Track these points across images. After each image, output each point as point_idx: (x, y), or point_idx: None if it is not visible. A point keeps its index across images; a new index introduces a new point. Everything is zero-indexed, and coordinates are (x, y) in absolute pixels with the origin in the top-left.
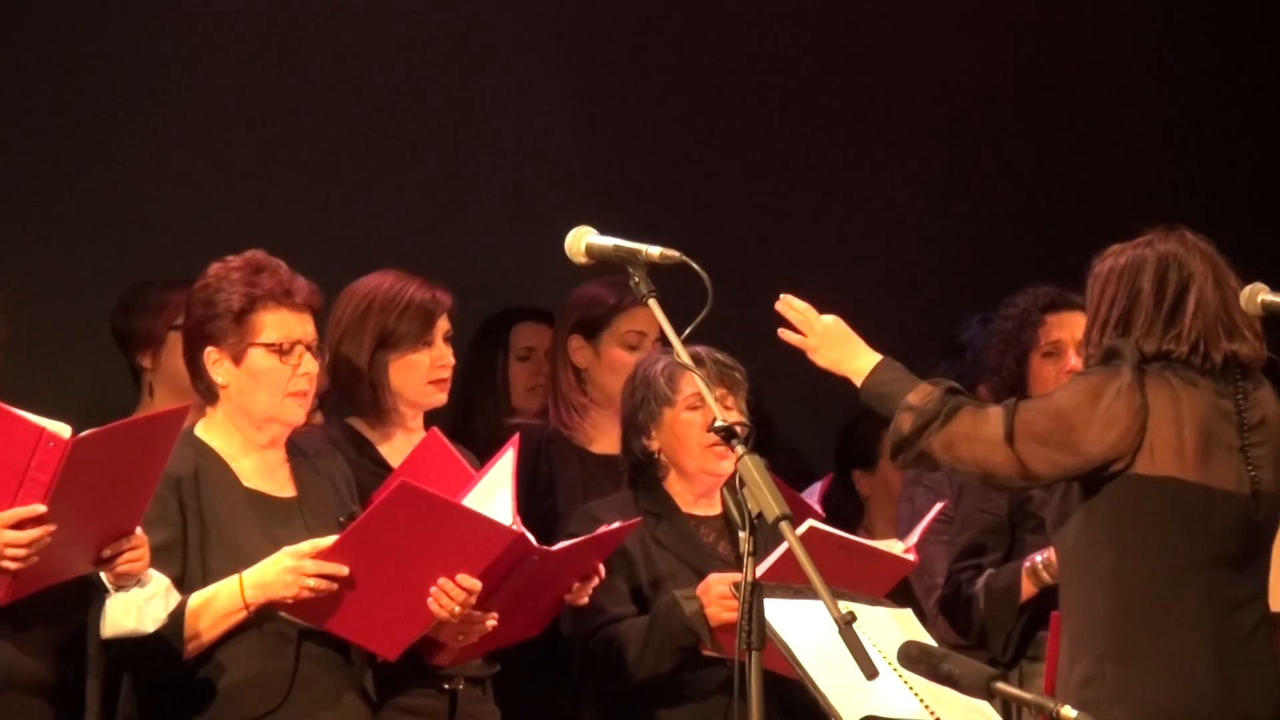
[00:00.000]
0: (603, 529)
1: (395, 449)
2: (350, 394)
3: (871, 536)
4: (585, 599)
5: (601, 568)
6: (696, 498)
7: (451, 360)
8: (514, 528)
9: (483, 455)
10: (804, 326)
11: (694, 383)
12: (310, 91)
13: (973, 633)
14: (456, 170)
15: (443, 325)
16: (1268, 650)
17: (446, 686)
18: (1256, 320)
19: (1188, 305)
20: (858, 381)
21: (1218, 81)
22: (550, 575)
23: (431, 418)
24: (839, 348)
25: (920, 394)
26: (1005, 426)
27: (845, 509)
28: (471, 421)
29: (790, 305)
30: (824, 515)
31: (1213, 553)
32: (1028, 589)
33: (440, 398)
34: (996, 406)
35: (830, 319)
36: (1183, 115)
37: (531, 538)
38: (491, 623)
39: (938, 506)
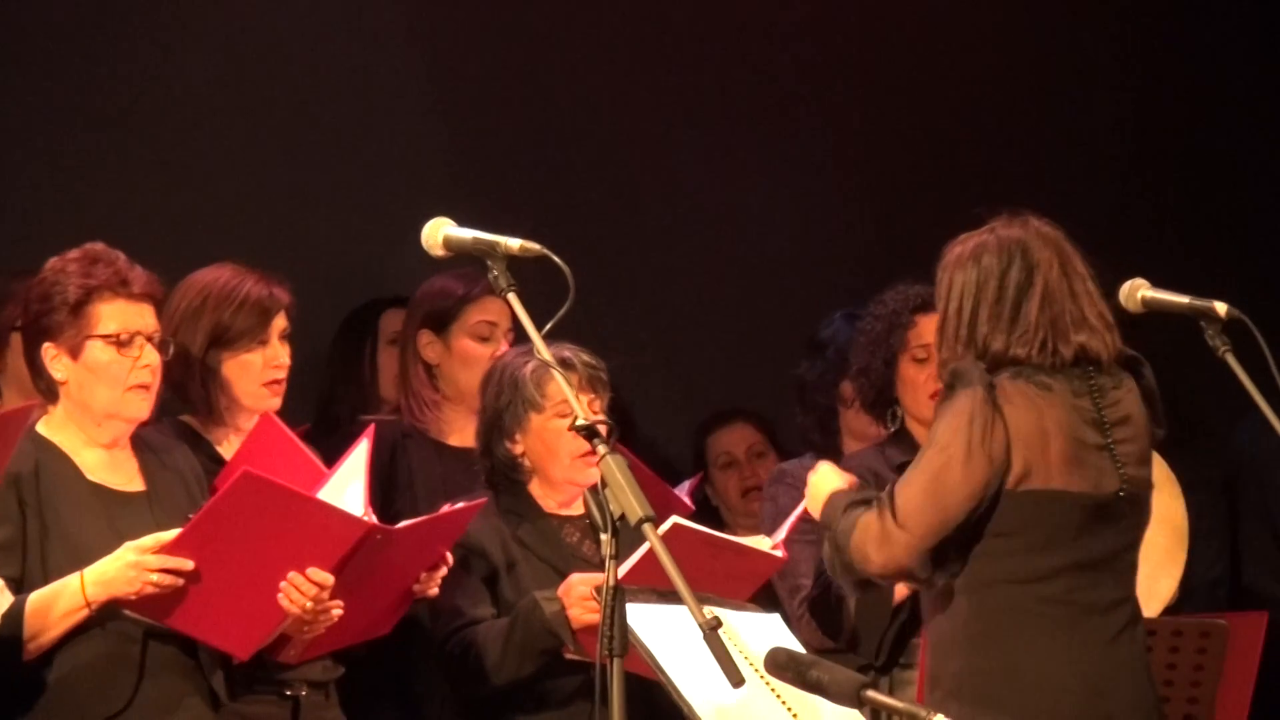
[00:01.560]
0: (446, 507)
1: (233, 448)
2: (182, 391)
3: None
4: (435, 589)
5: (450, 556)
6: (559, 501)
7: (286, 361)
8: (366, 519)
9: (341, 450)
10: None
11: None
12: (165, 81)
13: (843, 635)
14: (315, 160)
15: (279, 324)
16: (1138, 653)
17: (289, 693)
18: (1108, 313)
19: (1034, 295)
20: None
21: (1082, 68)
22: (397, 562)
23: (296, 408)
24: (813, 495)
25: (843, 508)
26: (892, 524)
27: (707, 510)
28: (335, 412)
29: None
30: (693, 509)
31: (1079, 556)
32: (900, 591)
33: (274, 401)
34: (885, 505)
35: (820, 470)
36: (1048, 107)
37: (355, 512)
38: (337, 611)
39: (802, 506)
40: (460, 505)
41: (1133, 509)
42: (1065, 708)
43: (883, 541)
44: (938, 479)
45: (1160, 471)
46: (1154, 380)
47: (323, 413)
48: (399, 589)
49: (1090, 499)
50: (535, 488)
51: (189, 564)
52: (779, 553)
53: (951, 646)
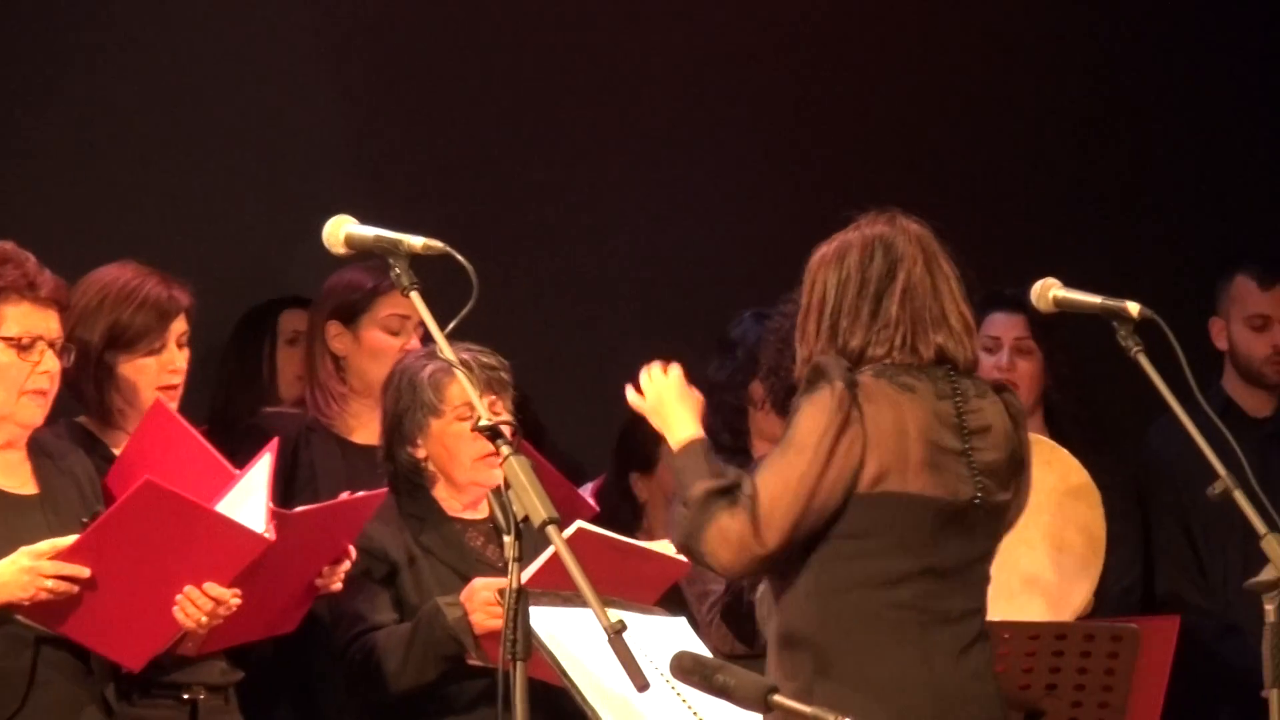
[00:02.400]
0: (345, 495)
1: None
2: (77, 392)
3: (651, 540)
4: (338, 584)
5: (352, 550)
6: (464, 504)
7: (183, 366)
8: (267, 536)
9: (242, 445)
10: (643, 384)
11: (462, 392)
12: (67, 79)
13: (757, 642)
14: (215, 157)
15: (178, 327)
16: (987, 665)
17: (186, 696)
18: (969, 316)
19: (895, 291)
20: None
21: (994, 65)
22: (296, 552)
23: (192, 407)
24: (665, 411)
25: (703, 492)
26: (750, 529)
27: (622, 512)
28: (231, 412)
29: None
30: (598, 510)
31: (931, 563)
32: None
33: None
34: (743, 506)
35: (668, 376)
36: (958, 106)
37: (251, 522)
38: (236, 601)
39: None
40: (360, 494)
41: (988, 520)
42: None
43: (740, 548)
44: (801, 483)
45: (1079, 479)
46: (1022, 406)
47: (219, 413)
48: (300, 583)
49: (946, 505)
50: (439, 490)
51: (86, 571)
52: (684, 558)
53: (800, 652)
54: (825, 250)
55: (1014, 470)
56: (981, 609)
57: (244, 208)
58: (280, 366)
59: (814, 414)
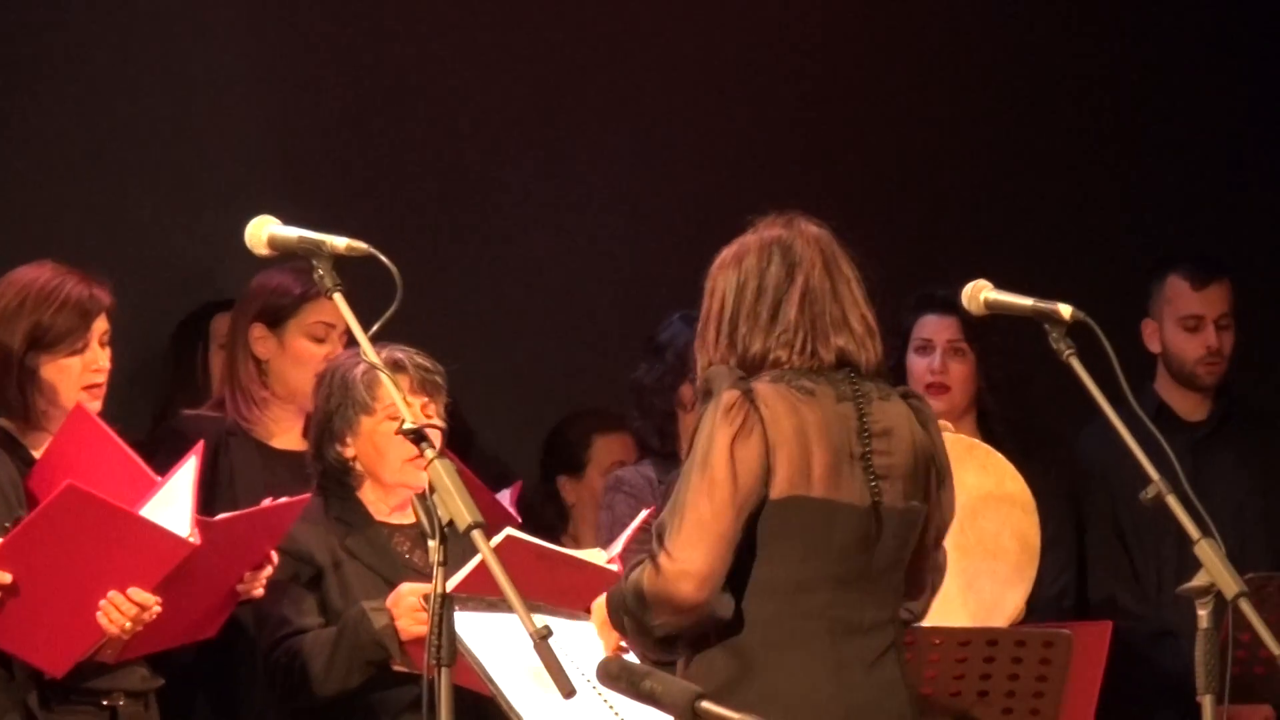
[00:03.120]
0: (267, 502)
1: None
2: None
3: (577, 545)
4: (260, 590)
5: (274, 555)
6: (391, 508)
7: (106, 365)
8: (191, 540)
9: (160, 448)
10: None
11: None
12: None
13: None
14: (146, 161)
15: (100, 326)
16: (899, 676)
17: (105, 703)
18: (871, 318)
19: (794, 294)
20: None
21: (917, 67)
22: (218, 559)
23: (131, 413)
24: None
25: (621, 578)
26: (669, 571)
27: (548, 516)
28: (171, 417)
29: None
30: (520, 521)
31: (839, 571)
32: None
33: (93, 406)
34: (648, 556)
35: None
36: (878, 106)
37: (175, 528)
38: (156, 608)
39: (642, 515)
40: (284, 500)
41: (896, 527)
42: None
43: (670, 590)
44: (698, 507)
45: (1014, 485)
46: (931, 411)
47: (160, 420)
48: (222, 589)
49: (851, 511)
50: (366, 493)
51: (7, 577)
52: (615, 566)
53: (711, 661)
54: (724, 255)
55: (923, 475)
56: (894, 618)
57: (173, 212)
58: (214, 371)
59: (708, 433)
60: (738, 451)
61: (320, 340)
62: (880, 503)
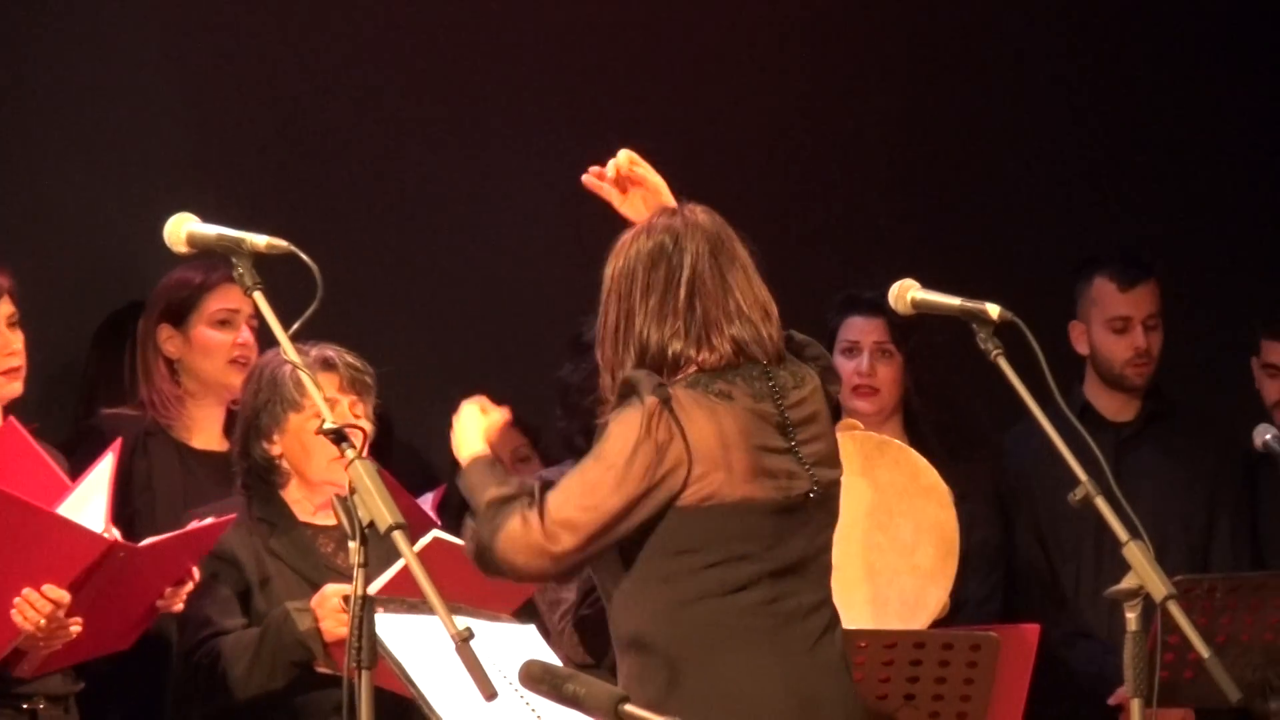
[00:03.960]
0: (194, 524)
1: None
2: None
3: None
4: (179, 605)
5: (196, 571)
6: (316, 508)
7: (19, 347)
8: (106, 536)
9: (79, 446)
10: None
11: (324, 386)
12: None
13: (607, 658)
14: (69, 161)
15: (4, 309)
16: (839, 654)
17: (25, 706)
18: (768, 300)
19: (682, 286)
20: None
21: (847, 69)
22: (140, 577)
23: (58, 415)
24: (455, 437)
25: (488, 500)
26: (540, 533)
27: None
28: (93, 416)
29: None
30: (440, 523)
31: (774, 565)
32: None
33: (12, 387)
34: (533, 510)
35: (466, 406)
36: (812, 106)
37: (101, 531)
38: (76, 628)
39: None
40: (209, 522)
41: (821, 510)
42: None
43: (533, 552)
44: (594, 494)
45: (929, 479)
46: (828, 358)
47: (84, 418)
48: (142, 605)
49: (778, 505)
50: (291, 492)
51: None
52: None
53: (652, 672)
54: (614, 251)
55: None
56: (828, 598)
57: (98, 210)
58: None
59: (623, 432)
60: (646, 460)
61: (225, 324)
62: (815, 490)
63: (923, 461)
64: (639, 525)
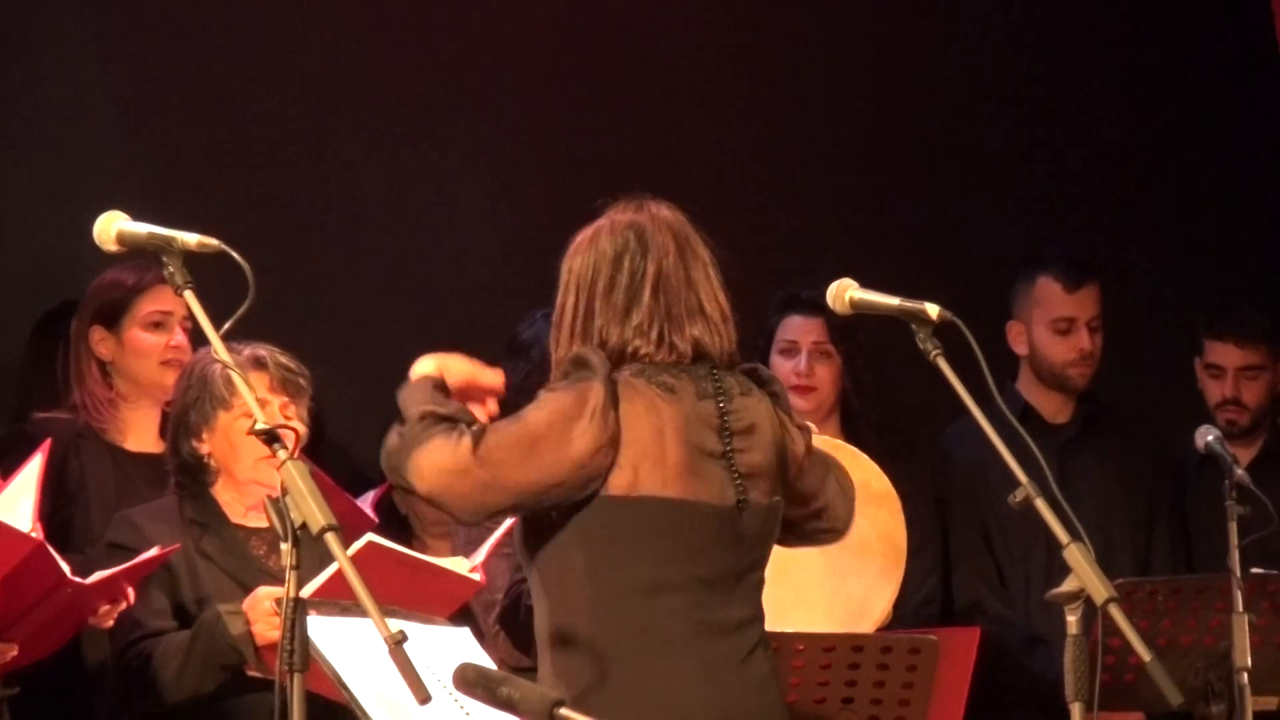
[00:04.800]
0: (143, 557)
1: None
2: None
3: (425, 549)
4: (109, 623)
5: (131, 592)
6: (247, 509)
7: None
8: (33, 536)
9: (10, 451)
10: None
11: (255, 386)
12: None
13: (533, 651)
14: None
15: None
16: (769, 674)
17: None
18: (726, 304)
19: (647, 282)
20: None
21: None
22: (79, 603)
23: None
24: (416, 367)
25: (422, 412)
26: (470, 456)
27: (395, 519)
28: (27, 421)
29: None
30: (376, 522)
31: (699, 573)
32: None
33: None
34: (468, 435)
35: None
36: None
37: (60, 559)
38: (12, 654)
39: (508, 522)
40: (154, 553)
41: (757, 524)
42: None
43: (448, 473)
44: (534, 436)
45: (880, 485)
46: (786, 395)
47: (19, 420)
48: (77, 624)
49: (711, 510)
50: (222, 492)
51: None
52: (477, 575)
53: (575, 670)
54: (577, 242)
55: (780, 471)
56: (758, 616)
57: (31, 209)
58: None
59: (567, 393)
60: (588, 425)
61: (158, 326)
62: (745, 501)
63: (875, 468)
64: (560, 499)
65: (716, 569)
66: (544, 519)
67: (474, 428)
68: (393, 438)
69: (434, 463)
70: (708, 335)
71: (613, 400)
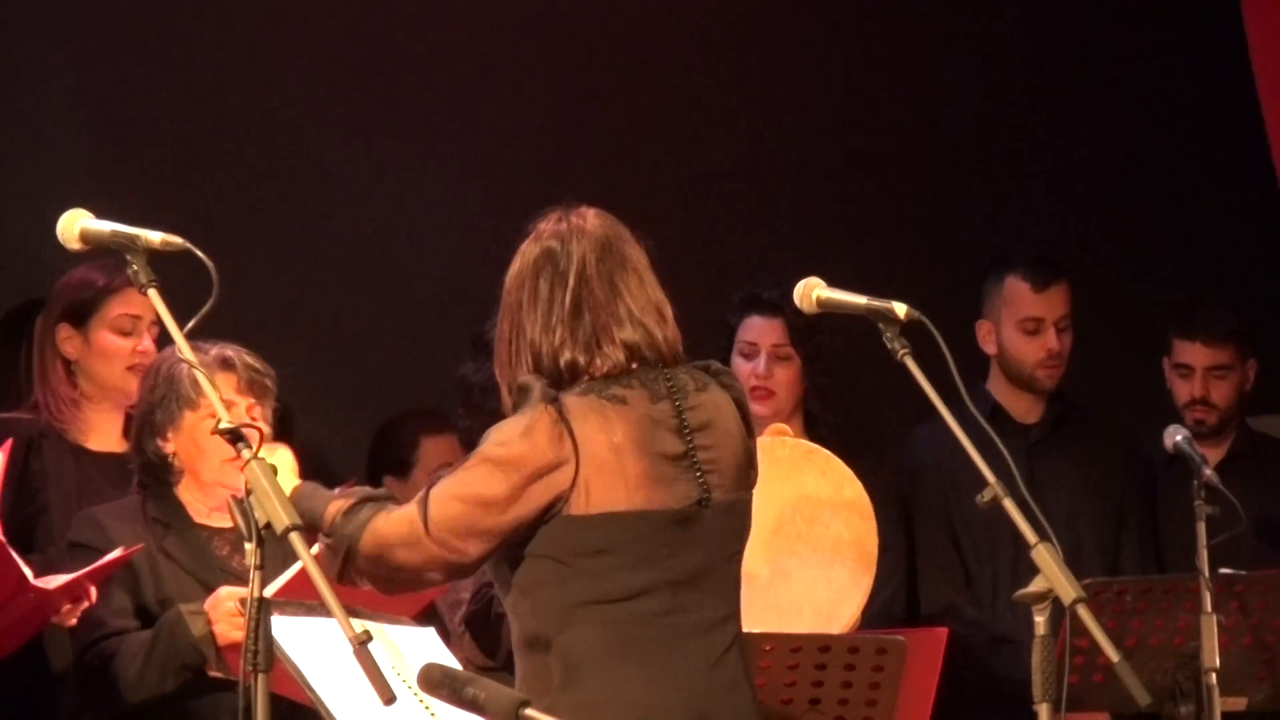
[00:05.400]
0: (107, 558)
1: None
2: None
3: None
4: (73, 621)
5: (93, 592)
6: (210, 509)
7: None
8: None
9: None
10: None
11: (222, 387)
12: None
13: (500, 653)
14: None
15: None
16: (740, 674)
17: None
18: (661, 300)
19: (569, 293)
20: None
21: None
22: (42, 604)
23: None
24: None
25: (330, 515)
26: (419, 527)
27: None
28: None
29: None
30: None
31: (672, 575)
32: None
33: None
34: (407, 507)
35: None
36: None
37: (20, 562)
38: None
39: None
40: (117, 553)
41: (725, 519)
42: None
43: (412, 545)
44: (478, 496)
45: (853, 491)
46: (743, 390)
47: None
48: (38, 625)
49: (674, 514)
50: (185, 492)
51: None
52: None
53: (547, 676)
54: (511, 266)
55: (745, 465)
56: (734, 613)
57: None
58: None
59: (511, 433)
60: (529, 454)
61: (127, 333)
62: (709, 498)
63: (848, 472)
64: (524, 525)
65: (685, 570)
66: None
67: (421, 497)
68: (325, 548)
69: (386, 546)
70: (639, 337)
71: (563, 421)
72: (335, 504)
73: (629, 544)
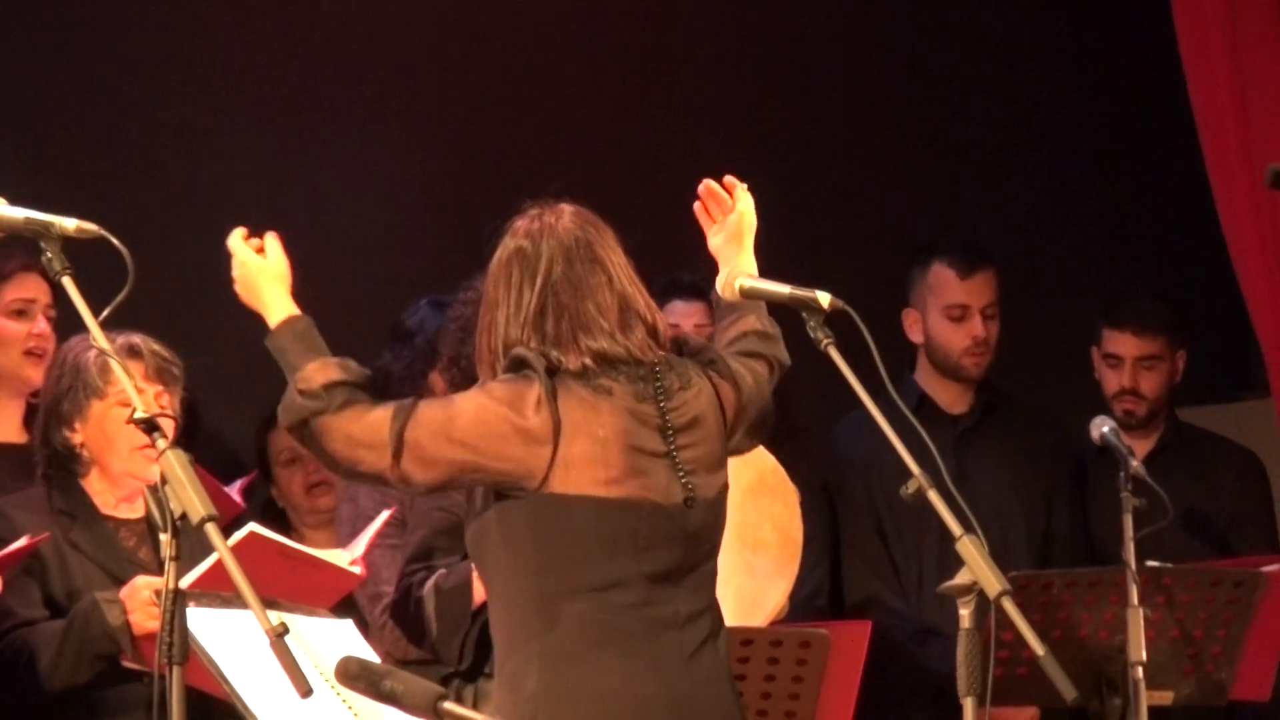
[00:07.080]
0: (12, 546)
1: None
2: None
3: (301, 539)
4: None
5: (0, 581)
6: (118, 500)
7: None
8: None
9: None
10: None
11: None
12: None
13: (427, 641)
14: None
15: None
16: (720, 665)
17: None
18: (642, 297)
19: (534, 300)
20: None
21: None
22: None
23: None
24: (259, 290)
25: (316, 371)
26: (393, 439)
27: (273, 511)
28: None
29: None
30: (244, 507)
31: (647, 570)
32: (481, 594)
33: None
34: (387, 410)
35: (269, 252)
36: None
37: None
38: None
39: (386, 513)
40: (22, 542)
41: (704, 518)
42: None
43: (373, 449)
44: (463, 431)
45: (775, 477)
46: (723, 358)
47: None
48: None
49: (657, 508)
50: (93, 483)
51: None
52: (358, 569)
53: (525, 666)
54: (490, 264)
55: (725, 451)
56: (710, 606)
57: None
58: None
59: (511, 386)
60: (528, 419)
61: (21, 314)
62: (693, 498)
63: (772, 460)
64: (484, 475)
65: (665, 565)
66: (489, 519)
67: (401, 405)
68: (295, 399)
69: (350, 438)
70: (605, 344)
71: (551, 400)
72: (315, 365)
73: (608, 531)
